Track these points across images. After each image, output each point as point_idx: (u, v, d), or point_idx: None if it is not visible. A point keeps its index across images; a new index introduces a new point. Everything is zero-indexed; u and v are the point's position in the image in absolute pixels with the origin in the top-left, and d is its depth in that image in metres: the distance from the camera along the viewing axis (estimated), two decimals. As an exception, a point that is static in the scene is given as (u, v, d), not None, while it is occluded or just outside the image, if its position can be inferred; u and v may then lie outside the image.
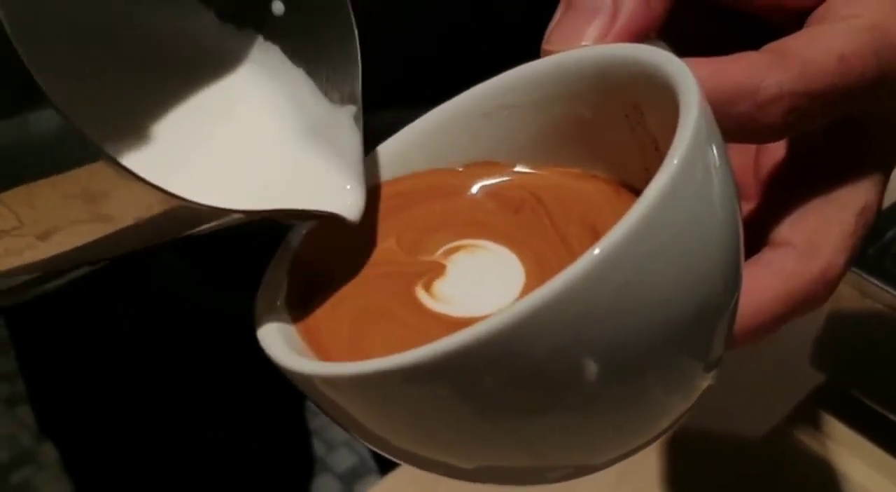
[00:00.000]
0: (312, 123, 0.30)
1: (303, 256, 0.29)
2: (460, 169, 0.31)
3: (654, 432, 0.25)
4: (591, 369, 0.22)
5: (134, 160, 0.26)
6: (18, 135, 0.21)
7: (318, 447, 0.79)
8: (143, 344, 0.69)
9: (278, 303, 0.28)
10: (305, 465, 0.85)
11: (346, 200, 0.28)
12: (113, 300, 0.64)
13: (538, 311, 0.20)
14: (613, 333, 0.21)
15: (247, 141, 0.29)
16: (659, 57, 0.25)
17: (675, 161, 0.22)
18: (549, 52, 0.28)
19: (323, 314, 0.28)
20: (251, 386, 0.65)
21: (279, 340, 0.26)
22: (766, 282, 0.27)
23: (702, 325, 0.23)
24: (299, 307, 0.28)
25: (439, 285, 0.28)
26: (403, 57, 0.51)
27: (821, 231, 0.28)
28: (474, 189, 0.31)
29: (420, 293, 0.28)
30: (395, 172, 0.31)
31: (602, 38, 0.27)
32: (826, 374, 0.56)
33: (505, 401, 0.22)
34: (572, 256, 0.27)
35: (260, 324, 0.27)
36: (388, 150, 0.31)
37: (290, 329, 0.27)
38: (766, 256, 0.28)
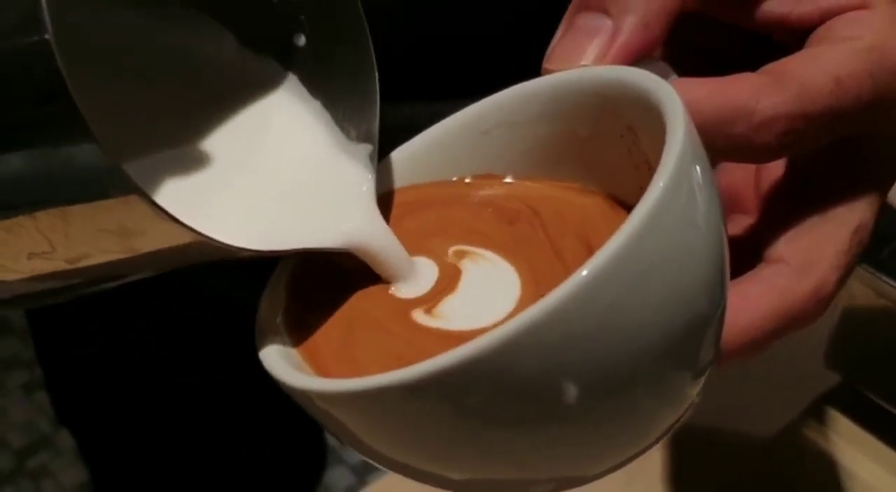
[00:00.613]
0: (327, 157, 0.30)
1: (303, 269, 0.29)
2: (460, 179, 0.31)
3: (643, 444, 0.26)
4: (580, 385, 0.22)
5: (161, 193, 0.27)
6: (55, 164, 0.22)
7: (332, 439, 0.80)
8: (161, 333, 0.70)
9: (277, 319, 0.28)
10: (318, 456, 0.86)
11: (355, 237, 0.28)
12: (131, 290, 0.64)
13: (528, 330, 0.21)
14: (601, 351, 0.22)
15: (264, 173, 0.29)
16: (650, 82, 0.26)
17: (660, 185, 0.22)
18: (549, 71, 0.29)
19: (320, 328, 0.28)
20: (266, 377, 0.65)
21: (277, 357, 0.26)
22: (758, 299, 0.28)
23: (688, 340, 0.24)
24: (298, 322, 0.28)
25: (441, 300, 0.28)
26: (420, 52, 0.51)
27: (815, 249, 0.28)
28: (473, 199, 0.31)
29: (416, 309, 0.28)
30: (396, 184, 0.31)
31: (601, 58, 0.28)
32: (839, 373, 0.56)
33: (495, 417, 0.23)
34: (566, 269, 0.27)
35: (260, 340, 0.27)
36: (389, 163, 0.31)
37: (289, 344, 0.27)
38: (760, 272, 0.28)
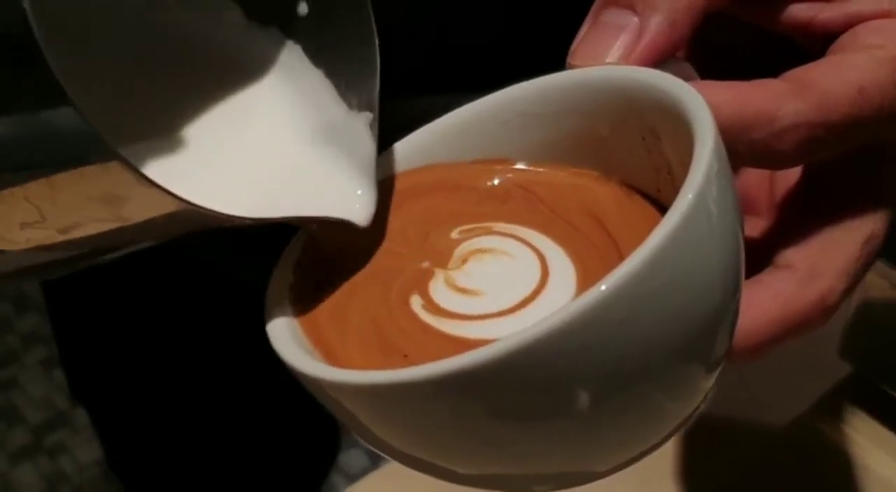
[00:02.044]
0: (328, 127, 0.30)
1: (311, 250, 0.30)
2: (474, 162, 0.31)
3: (653, 442, 0.26)
4: (593, 389, 0.23)
5: (150, 164, 0.27)
6: (37, 129, 0.22)
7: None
8: (176, 313, 0.70)
9: (286, 300, 0.28)
10: (333, 437, 0.86)
11: (356, 207, 0.28)
12: (145, 268, 0.65)
13: (546, 338, 0.21)
14: (615, 359, 0.22)
15: (261, 144, 0.30)
16: (679, 88, 0.26)
17: (687, 201, 0.22)
18: (573, 66, 0.29)
19: (328, 311, 0.28)
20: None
21: (289, 340, 0.26)
22: (764, 304, 0.28)
23: (702, 344, 0.24)
24: (307, 302, 0.28)
25: (442, 283, 0.28)
26: (438, 44, 0.51)
27: (824, 257, 0.28)
28: (482, 183, 0.31)
29: (433, 288, 0.28)
30: (406, 167, 0.31)
31: (626, 57, 0.28)
32: (854, 365, 0.56)
33: (507, 416, 0.23)
34: (580, 234, 0.28)
35: (270, 321, 0.27)
36: (403, 146, 0.31)
37: (296, 326, 0.27)
38: (768, 277, 0.29)
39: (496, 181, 0.31)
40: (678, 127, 0.25)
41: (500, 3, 0.52)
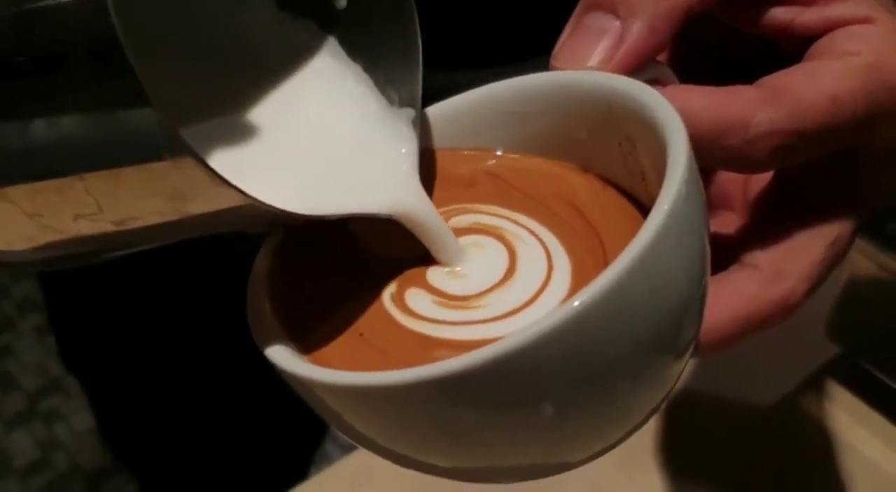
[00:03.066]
0: (368, 122, 0.30)
1: (292, 234, 0.30)
2: (452, 149, 0.31)
3: (625, 431, 0.26)
4: (564, 392, 0.23)
5: (213, 161, 0.27)
6: (112, 127, 0.22)
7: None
8: (170, 282, 0.70)
9: (265, 287, 0.28)
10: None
11: (395, 202, 0.28)
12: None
13: (515, 353, 0.22)
14: (588, 364, 0.23)
15: (307, 137, 0.29)
16: (655, 100, 0.26)
17: (659, 221, 0.23)
18: (556, 68, 0.29)
19: (305, 301, 0.28)
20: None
21: (267, 331, 0.27)
22: (727, 302, 0.28)
23: (671, 342, 0.25)
24: (286, 290, 0.28)
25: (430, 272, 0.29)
26: (452, 20, 0.51)
27: (789, 260, 0.29)
28: (456, 169, 0.31)
29: (430, 274, 0.28)
30: None
31: (607, 62, 0.28)
32: (841, 346, 0.56)
33: (485, 419, 0.24)
34: (561, 220, 0.28)
35: (250, 309, 0.28)
36: None
37: (274, 318, 0.27)
38: (734, 275, 0.29)
39: (467, 168, 0.31)
40: (653, 137, 0.26)
41: None
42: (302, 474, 0.81)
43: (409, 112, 0.29)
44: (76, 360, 0.83)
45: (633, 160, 0.28)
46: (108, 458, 1.40)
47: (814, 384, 0.57)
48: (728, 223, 0.32)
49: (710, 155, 0.27)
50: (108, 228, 0.24)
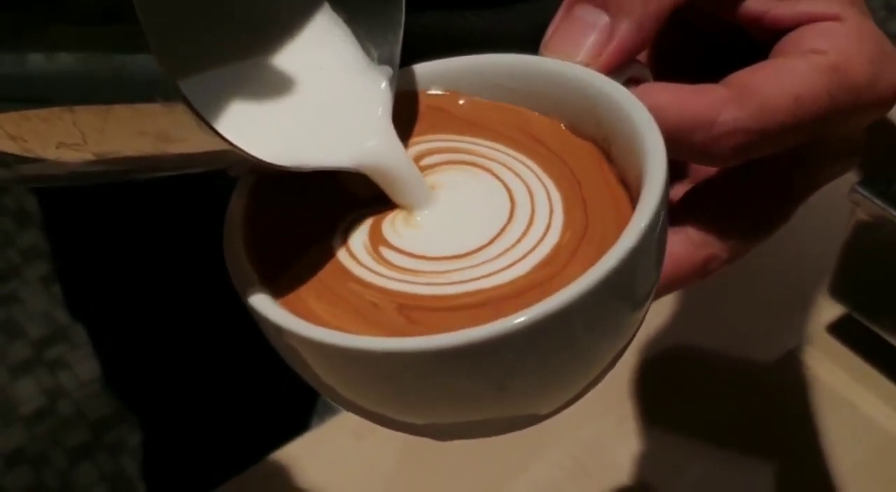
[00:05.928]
0: (347, 77, 0.30)
1: (263, 187, 0.30)
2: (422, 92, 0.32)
3: (590, 380, 0.27)
4: (532, 355, 0.25)
5: (199, 104, 0.27)
6: (108, 67, 0.22)
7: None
8: (173, 228, 0.70)
9: (241, 230, 0.29)
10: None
11: (368, 158, 0.28)
12: (142, 188, 0.65)
13: (484, 343, 0.24)
14: (558, 339, 0.25)
15: (286, 90, 0.29)
16: (637, 111, 0.28)
17: (638, 229, 0.25)
18: (545, 56, 0.30)
19: (279, 247, 0.29)
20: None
21: (245, 277, 0.27)
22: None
23: (633, 298, 0.27)
24: (261, 232, 0.29)
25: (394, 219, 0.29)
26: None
27: (717, 231, 0.30)
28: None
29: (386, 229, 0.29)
30: None
31: (596, 57, 0.29)
32: (844, 304, 0.56)
33: (459, 384, 0.25)
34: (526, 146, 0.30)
35: (227, 252, 0.28)
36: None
37: (250, 266, 0.28)
38: (672, 236, 0.30)
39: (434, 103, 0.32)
40: (628, 143, 0.28)
41: None
42: (304, 425, 0.82)
43: (387, 70, 0.30)
44: (82, 308, 0.83)
45: (608, 159, 0.29)
46: (113, 406, 1.41)
47: (817, 343, 0.58)
48: (678, 189, 0.33)
49: (677, 149, 0.28)
50: (88, 157, 0.24)
